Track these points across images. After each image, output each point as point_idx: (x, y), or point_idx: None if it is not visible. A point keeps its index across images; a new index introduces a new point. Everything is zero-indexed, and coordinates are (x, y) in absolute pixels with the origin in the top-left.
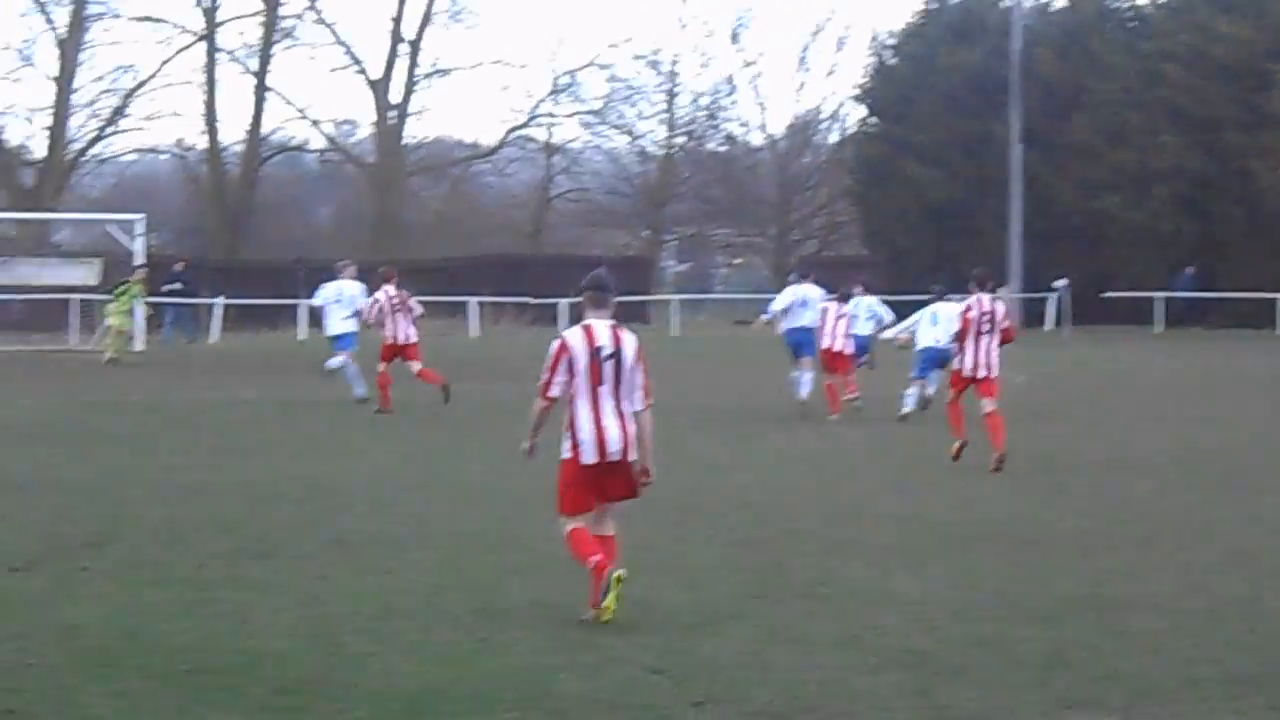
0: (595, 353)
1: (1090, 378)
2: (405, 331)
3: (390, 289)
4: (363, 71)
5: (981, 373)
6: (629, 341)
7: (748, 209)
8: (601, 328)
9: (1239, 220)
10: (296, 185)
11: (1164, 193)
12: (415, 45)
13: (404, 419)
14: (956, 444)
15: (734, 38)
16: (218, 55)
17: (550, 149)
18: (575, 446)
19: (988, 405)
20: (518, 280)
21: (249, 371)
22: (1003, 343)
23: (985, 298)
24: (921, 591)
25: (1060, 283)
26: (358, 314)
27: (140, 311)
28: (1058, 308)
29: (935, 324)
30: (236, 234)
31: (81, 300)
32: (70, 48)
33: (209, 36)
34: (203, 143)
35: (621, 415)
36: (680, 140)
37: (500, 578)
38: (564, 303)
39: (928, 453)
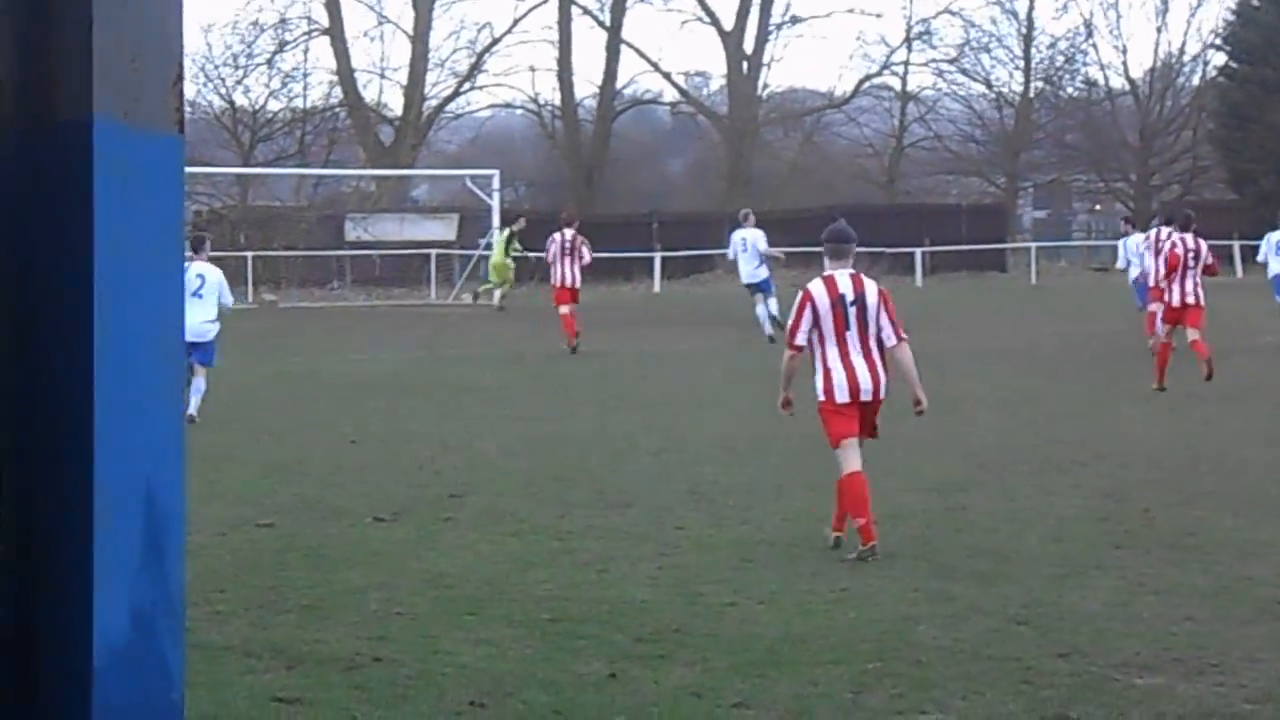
0: (838, 300)
1: None
2: (572, 274)
3: (568, 233)
4: (715, 23)
5: (1189, 300)
6: (871, 288)
7: (1107, 154)
8: (842, 277)
9: None
10: (649, 138)
11: None
12: None
13: (747, 369)
14: (1155, 385)
15: None
16: (571, 9)
17: (904, 97)
18: (829, 389)
19: (1192, 334)
20: (872, 230)
21: (603, 324)
22: (1206, 273)
23: (1189, 237)
24: None
25: None
26: (763, 260)
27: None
28: None
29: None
30: (590, 188)
31: (439, 255)
32: (425, 5)
33: None
34: (557, 98)
35: (870, 358)
36: (1037, 86)
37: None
38: (919, 252)
39: None
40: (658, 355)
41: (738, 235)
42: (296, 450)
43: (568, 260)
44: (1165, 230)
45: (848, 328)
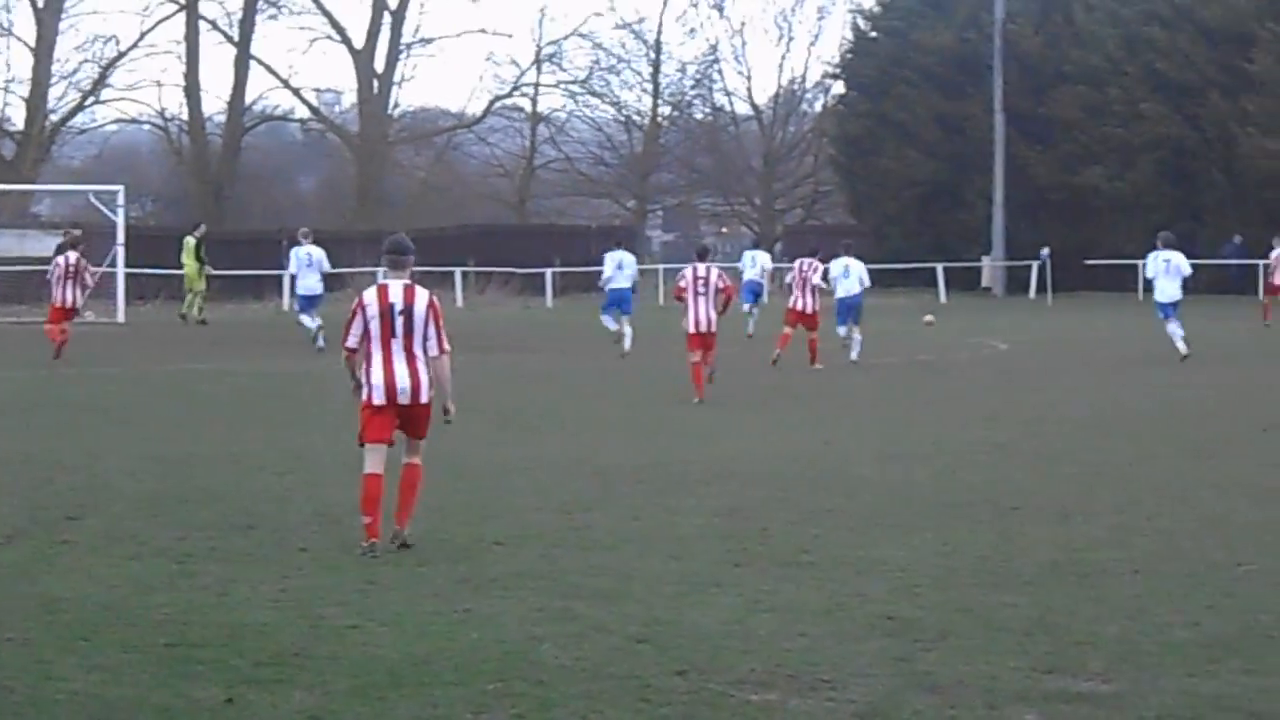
0: (388, 309)
1: (1071, 344)
2: (74, 296)
3: (72, 256)
4: (346, 41)
5: (703, 328)
6: (420, 299)
7: (733, 178)
8: (396, 287)
9: (1220, 186)
10: (280, 155)
11: (1147, 163)
12: (398, 14)
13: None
14: (695, 401)
15: (718, 6)
16: (199, 24)
17: (535, 119)
18: (368, 391)
19: (695, 356)
20: (503, 250)
21: (232, 342)
22: (725, 302)
23: (700, 266)
24: (905, 559)
25: (1044, 251)
26: (324, 275)
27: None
28: (1039, 275)
29: (846, 276)
30: (219, 205)
31: None
32: (49, 17)
33: (190, 5)
34: (185, 113)
35: (412, 364)
36: (665, 109)
37: (483, 549)
38: (549, 272)
39: (914, 420)
40: (285, 374)
41: (301, 251)
42: None
43: (70, 282)
44: (808, 261)
45: (394, 335)
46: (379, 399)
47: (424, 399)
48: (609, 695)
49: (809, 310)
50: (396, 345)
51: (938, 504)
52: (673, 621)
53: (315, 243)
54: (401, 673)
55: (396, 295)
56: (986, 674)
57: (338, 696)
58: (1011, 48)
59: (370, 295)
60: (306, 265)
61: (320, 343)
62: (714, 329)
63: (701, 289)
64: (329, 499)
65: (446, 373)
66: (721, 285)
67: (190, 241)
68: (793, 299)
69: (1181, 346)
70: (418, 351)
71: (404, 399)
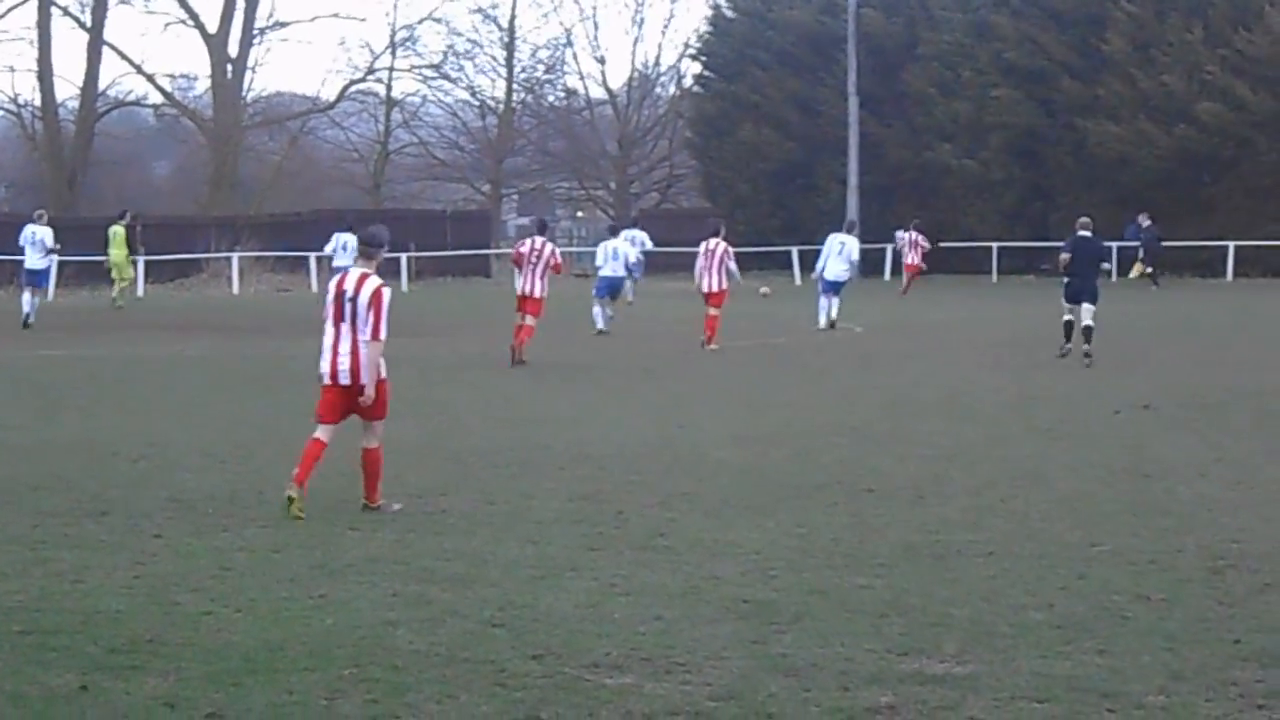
0: (340, 295)
1: (926, 326)
2: None
3: None
4: (199, 26)
5: (528, 291)
6: (366, 288)
7: (588, 162)
8: (353, 275)
9: (1069, 170)
10: (134, 141)
11: (997, 141)
12: None
13: (234, 373)
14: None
15: None
16: (51, 10)
17: (389, 103)
18: (320, 369)
19: (529, 320)
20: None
21: (87, 328)
22: (553, 271)
23: (538, 239)
24: (760, 541)
25: (899, 234)
26: (49, 252)
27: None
28: (894, 258)
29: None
30: (73, 191)
31: None
32: None
33: None
34: (38, 99)
35: (354, 347)
36: (520, 94)
37: (337, 534)
38: (405, 257)
39: (769, 403)
40: (140, 360)
41: (29, 230)
42: None
43: None
44: (713, 241)
45: (342, 319)
46: (325, 379)
47: (363, 380)
48: (464, 680)
49: (715, 288)
50: (344, 329)
51: (792, 487)
52: (528, 606)
53: (45, 223)
54: (256, 658)
55: (350, 282)
56: (841, 656)
57: (192, 683)
58: (866, 32)
59: (332, 282)
60: (30, 243)
61: (30, 318)
62: (539, 295)
63: (534, 259)
64: (183, 484)
65: (371, 356)
66: (552, 261)
67: (119, 231)
68: (702, 280)
69: (822, 321)
70: (361, 336)
71: (344, 379)
